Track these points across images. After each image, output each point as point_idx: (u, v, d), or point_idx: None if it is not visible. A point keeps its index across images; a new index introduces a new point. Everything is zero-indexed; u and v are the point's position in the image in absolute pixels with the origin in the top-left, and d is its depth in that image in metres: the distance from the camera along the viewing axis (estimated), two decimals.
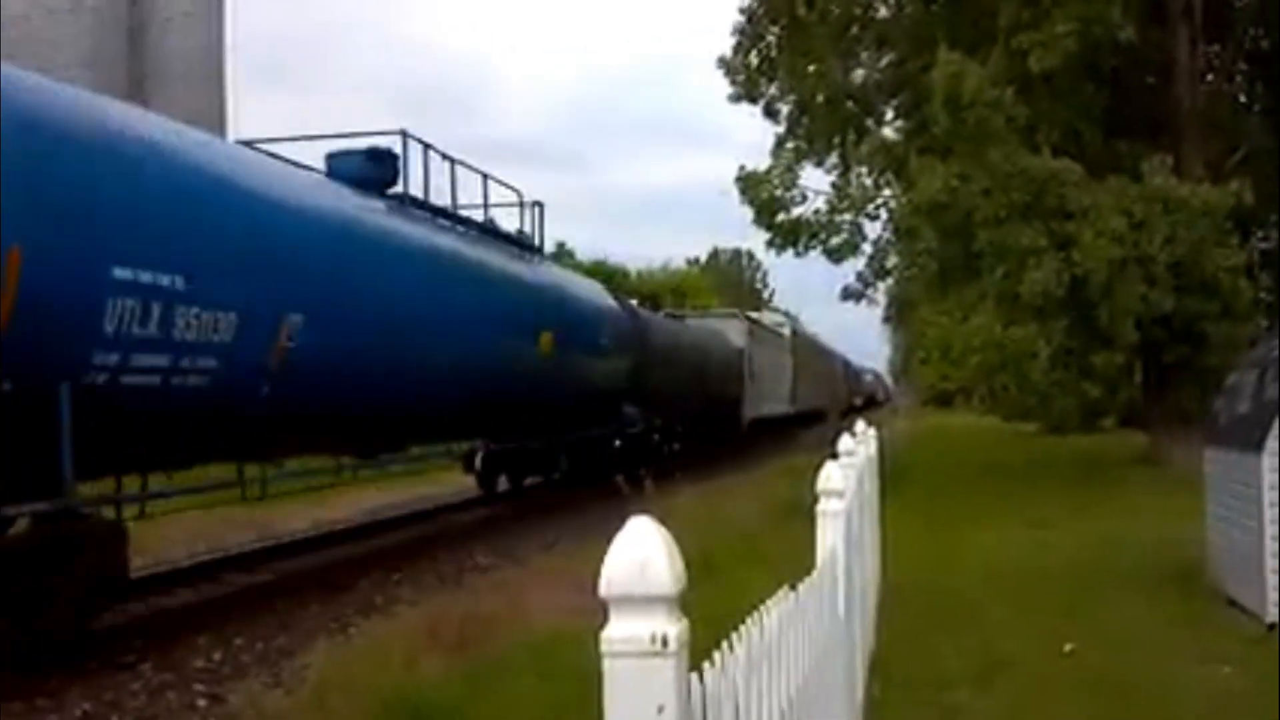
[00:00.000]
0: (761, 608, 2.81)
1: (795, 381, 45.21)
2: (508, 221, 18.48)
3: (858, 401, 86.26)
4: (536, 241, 19.62)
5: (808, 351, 51.29)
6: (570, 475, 20.41)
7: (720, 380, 31.94)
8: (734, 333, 36.42)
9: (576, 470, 20.42)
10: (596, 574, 1.93)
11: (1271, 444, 7.78)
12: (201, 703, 7.95)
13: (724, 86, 25.41)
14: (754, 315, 45.53)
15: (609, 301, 23.04)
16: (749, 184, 23.71)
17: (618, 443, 21.72)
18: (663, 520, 1.99)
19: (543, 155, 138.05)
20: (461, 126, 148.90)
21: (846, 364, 74.86)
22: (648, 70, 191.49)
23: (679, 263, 73.82)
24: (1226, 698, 6.34)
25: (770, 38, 25.01)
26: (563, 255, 45.76)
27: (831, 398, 57.78)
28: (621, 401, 22.36)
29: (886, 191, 24.52)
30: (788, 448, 34.45)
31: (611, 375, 21.64)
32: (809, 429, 43.49)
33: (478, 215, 17.17)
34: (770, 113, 25.36)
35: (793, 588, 3.30)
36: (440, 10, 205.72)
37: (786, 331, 46.95)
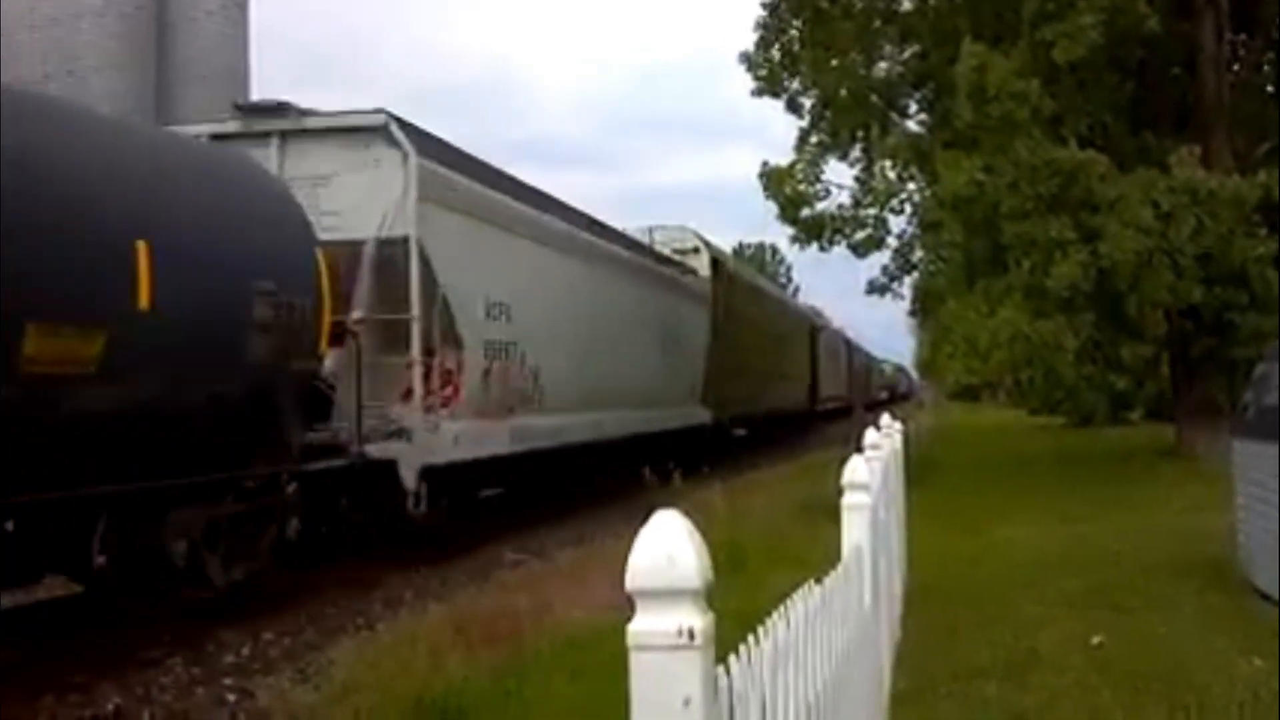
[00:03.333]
0: (787, 602, 2.81)
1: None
2: None
3: (883, 395, 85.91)
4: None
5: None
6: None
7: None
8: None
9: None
10: (623, 569, 1.93)
11: None
12: (230, 698, 8.00)
13: (748, 81, 25.42)
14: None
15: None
16: (772, 180, 23.69)
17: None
18: (689, 514, 1.99)
19: (566, 154, 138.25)
20: (489, 125, 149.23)
21: (855, 355, 70.15)
22: (675, 66, 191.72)
23: None
24: (1258, 691, 6.30)
25: (793, 31, 24.97)
26: None
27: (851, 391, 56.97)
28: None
29: (911, 185, 24.47)
30: (811, 443, 34.41)
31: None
32: (832, 423, 43.42)
33: None
34: (793, 107, 25.34)
35: (819, 581, 3.30)
36: (461, 9, 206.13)
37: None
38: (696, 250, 28.30)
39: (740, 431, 31.19)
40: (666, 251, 26.73)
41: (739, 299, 30.75)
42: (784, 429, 38.86)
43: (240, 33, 40.71)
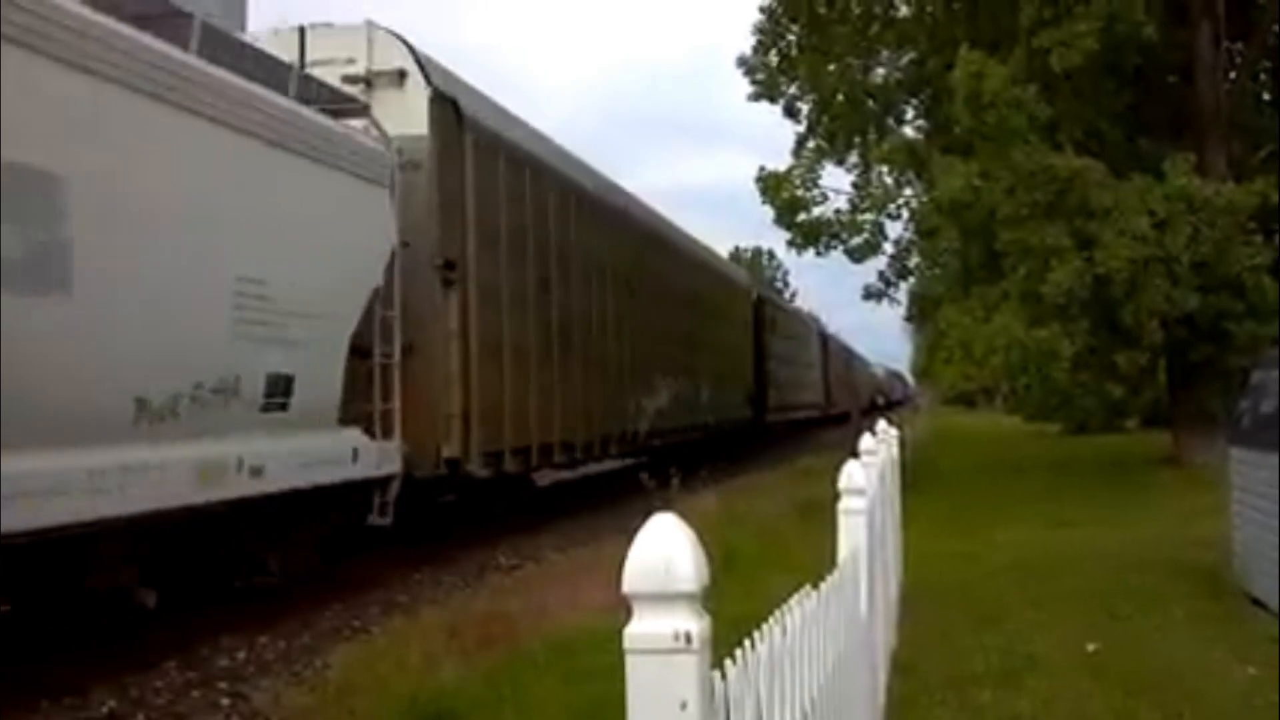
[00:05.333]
0: (783, 606, 2.82)
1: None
2: None
3: (879, 400, 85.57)
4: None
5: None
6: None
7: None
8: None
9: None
10: (619, 572, 1.94)
11: None
12: (225, 701, 7.99)
13: (746, 86, 25.47)
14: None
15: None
16: (769, 184, 23.72)
17: None
18: (686, 518, 2.00)
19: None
20: None
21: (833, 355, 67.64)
22: (676, 68, 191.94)
23: None
24: (1251, 698, 6.31)
25: (790, 36, 25.02)
26: None
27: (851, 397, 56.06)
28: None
29: (908, 190, 24.51)
30: (808, 448, 34.41)
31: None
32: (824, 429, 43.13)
33: None
34: (790, 112, 25.40)
35: (815, 586, 3.30)
36: (457, 5, 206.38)
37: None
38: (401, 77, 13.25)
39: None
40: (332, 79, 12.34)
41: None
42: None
43: (237, 25, 40.78)
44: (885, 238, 24.29)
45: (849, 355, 67.10)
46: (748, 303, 35.11)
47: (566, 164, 18.75)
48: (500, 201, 14.90)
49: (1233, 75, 21.95)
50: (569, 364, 17.34)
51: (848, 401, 61.06)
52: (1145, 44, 19.05)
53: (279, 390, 9.84)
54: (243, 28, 10.78)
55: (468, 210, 13.89)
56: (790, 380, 40.78)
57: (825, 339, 53.22)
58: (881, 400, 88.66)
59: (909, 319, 35.69)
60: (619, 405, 20.19)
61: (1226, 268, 18.22)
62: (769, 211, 23.91)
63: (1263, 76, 23.71)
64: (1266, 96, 23.92)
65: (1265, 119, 22.46)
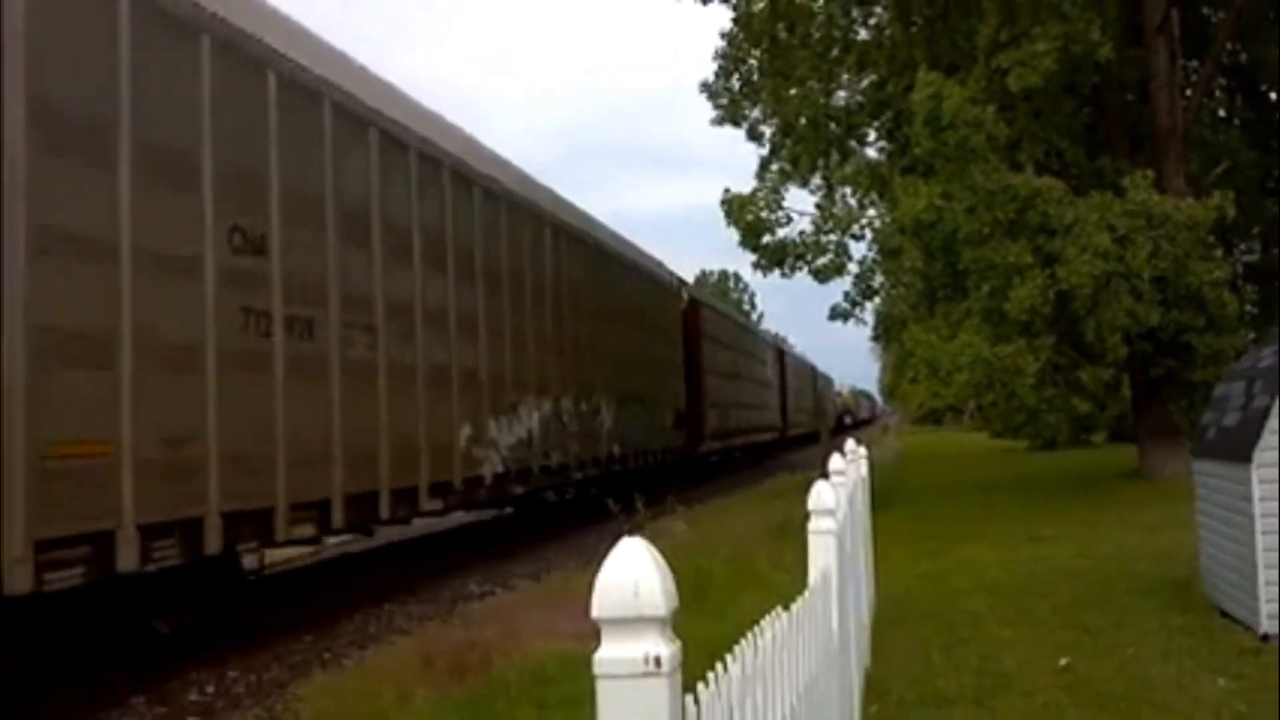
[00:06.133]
0: (755, 628, 2.81)
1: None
2: None
3: (846, 420, 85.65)
4: None
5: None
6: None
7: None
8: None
9: None
10: (589, 598, 1.93)
11: (1260, 454, 7.80)
12: None
13: (710, 111, 25.63)
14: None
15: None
16: (734, 207, 23.81)
17: None
18: (654, 541, 2.00)
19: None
20: None
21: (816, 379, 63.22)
22: (639, 94, 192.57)
23: None
24: (1222, 710, 6.34)
25: (752, 61, 25.20)
26: None
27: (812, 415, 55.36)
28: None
29: (871, 211, 24.68)
30: (776, 469, 34.44)
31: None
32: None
33: None
34: (754, 136, 25.59)
35: (786, 607, 3.30)
36: (418, 34, 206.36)
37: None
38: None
39: None
40: None
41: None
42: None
43: None
44: (850, 258, 24.41)
45: (813, 374, 63.89)
46: (677, 307, 29.66)
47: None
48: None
49: (1189, 93, 22.23)
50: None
51: (811, 422, 59.45)
52: (1102, 63, 19.27)
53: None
54: None
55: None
56: (735, 399, 35.29)
57: (783, 354, 49.24)
58: (849, 420, 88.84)
59: (875, 338, 35.83)
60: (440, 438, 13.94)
61: (1187, 282, 18.40)
62: (735, 234, 24.00)
63: (1218, 93, 24.03)
64: (1222, 113, 24.25)
65: (1222, 135, 22.76)
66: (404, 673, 8.10)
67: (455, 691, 7.46)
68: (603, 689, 1.89)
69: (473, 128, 16.69)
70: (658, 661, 1.88)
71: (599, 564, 1.96)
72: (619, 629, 1.89)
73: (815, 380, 66.11)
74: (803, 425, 54.61)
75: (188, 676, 9.32)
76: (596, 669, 1.89)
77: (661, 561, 1.94)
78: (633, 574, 1.90)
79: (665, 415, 26.44)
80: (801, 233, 24.17)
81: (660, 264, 28.44)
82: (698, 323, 30.49)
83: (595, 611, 1.90)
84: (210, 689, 9.09)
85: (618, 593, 1.89)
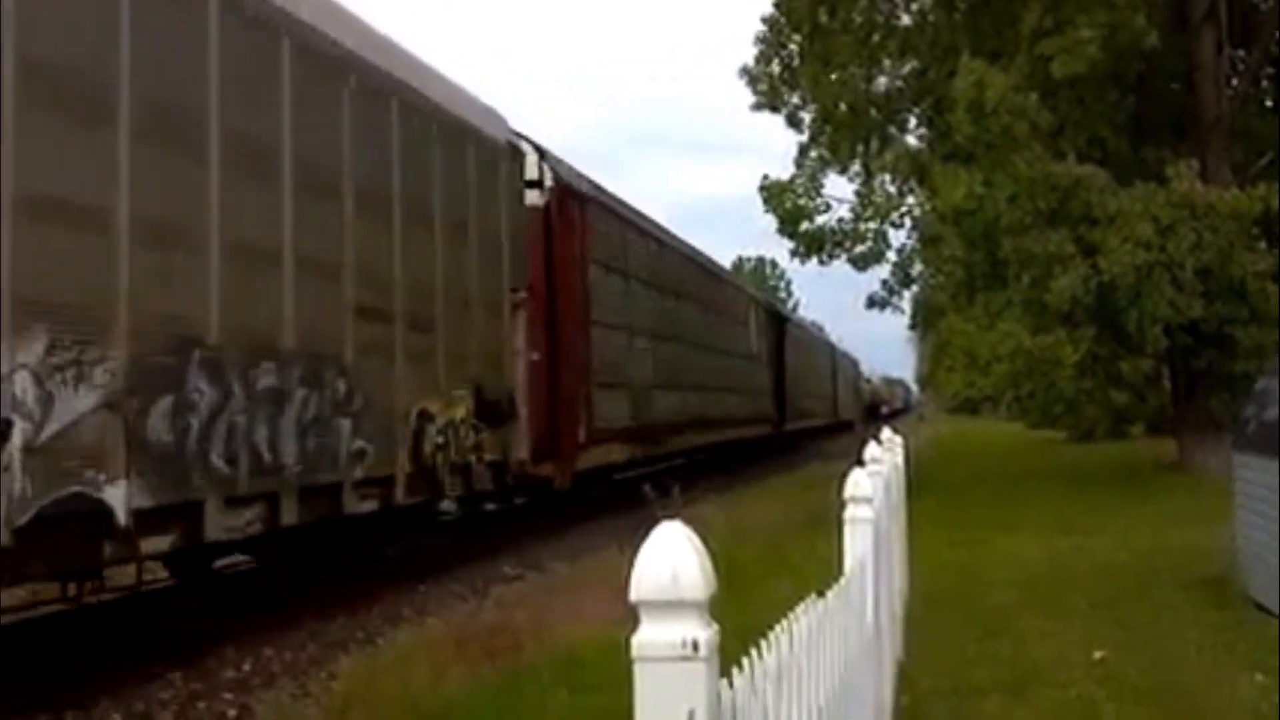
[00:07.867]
0: (790, 615, 2.81)
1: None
2: None
3: (883, 409, 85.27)
4: None
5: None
6: None
7: None
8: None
9: None
10: (622, 582, 1.93)
11: None
12: (231, 713, 7.98)
13: (749, 96, 25.51)
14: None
15: None
16: (772, 193, 23.73)
17: None
18: (690, 526, 1.99)
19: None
20: None
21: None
22: (677, 79, 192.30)
23: None
24: (1259, 705, 6.29)
25: (792, 46, 25.05)
26: None
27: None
28: None
29: (910, 199, 24.51)
30: (812, 457, 34.38)
31: None
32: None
33: None
34: (793, 121, 25.42)
35: (821, 595, 3.29)
36: (448, 20, 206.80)
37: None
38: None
39: None
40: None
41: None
42: None
43: None
44: (888, 246, 24.30)
45: (831, 353, 59.06)
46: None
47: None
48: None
49: (1235, 82, 21.96)
50: None
51: (852, 410, 59.86)
52: (1147, 51, 19.06)
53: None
54: None
55: None
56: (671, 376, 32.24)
57: (782, 320, 43.72)
58: (885, 409, 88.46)
59: (913, 327, 35.66)
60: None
61: (1230, 274, 18.21)
62: (772, 221, 23.93)
63: (1265, 83, 23.70)
64: (1269, 103, 23.92)
65: (1268, 125, 22.45)
66: (437, 654, 8.14)
67: (488, 674, 7.50)
68: (640, 672, 1.89)
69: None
70: (695, 645, 1.88)
71: (634, 549, 1.96)
72: (657, 612, 1.89)
73: (834, 361, 57.11)
74: (815, 417, 46.53)
75: (223, 654, 9.41)
76: (634, 652, 1.89)
77: (700, 546, 1.94)
78: (672, 558, 1.90)
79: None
80: (840, 220, 24.09)
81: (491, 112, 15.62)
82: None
83: (634, 594, 1.91)
84: (246, 666, 9.17)
85: (656, 576, 1.90)
